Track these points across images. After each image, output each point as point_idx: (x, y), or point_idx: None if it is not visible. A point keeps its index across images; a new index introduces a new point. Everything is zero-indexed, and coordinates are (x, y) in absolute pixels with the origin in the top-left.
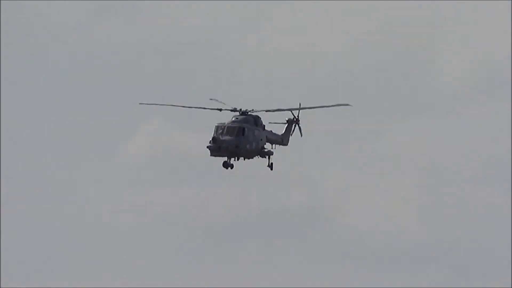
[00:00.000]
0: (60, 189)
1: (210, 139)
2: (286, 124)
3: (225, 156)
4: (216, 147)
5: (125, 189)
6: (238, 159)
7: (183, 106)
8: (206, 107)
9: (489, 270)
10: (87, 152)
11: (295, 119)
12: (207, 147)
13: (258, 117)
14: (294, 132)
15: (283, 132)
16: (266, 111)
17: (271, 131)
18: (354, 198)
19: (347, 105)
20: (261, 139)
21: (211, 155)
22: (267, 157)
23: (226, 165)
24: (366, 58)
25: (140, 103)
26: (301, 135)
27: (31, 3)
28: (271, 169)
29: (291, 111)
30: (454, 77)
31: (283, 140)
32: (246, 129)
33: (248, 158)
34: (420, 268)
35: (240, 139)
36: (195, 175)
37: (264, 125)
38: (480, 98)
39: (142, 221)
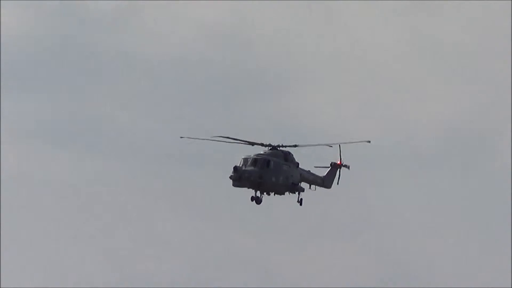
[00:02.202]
0: None
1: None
2: (329, 168)
3: (247, 187)
4: (237, 177)
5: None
6: (268, 194)
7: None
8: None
9: None
10: None
11: (338, 164)
12: (229, 177)
13: (289, 152)
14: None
15: (325, 174)
16: (295, 146)
17: (309, 170)
18: None
19: (367, 142)
20: (292, 175)
21: (233, 185)
22: (297, 193)
23: (253, 199)
24: None
25: (181, 137)
26: (338, 183)
27: None
28: (300, 204)
29: (340, 156)
30: None
31: (323, 182)
32: (271, 162)
33: (279, 194)
34: None
35: (265, 170)
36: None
37: (298, 163)
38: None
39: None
